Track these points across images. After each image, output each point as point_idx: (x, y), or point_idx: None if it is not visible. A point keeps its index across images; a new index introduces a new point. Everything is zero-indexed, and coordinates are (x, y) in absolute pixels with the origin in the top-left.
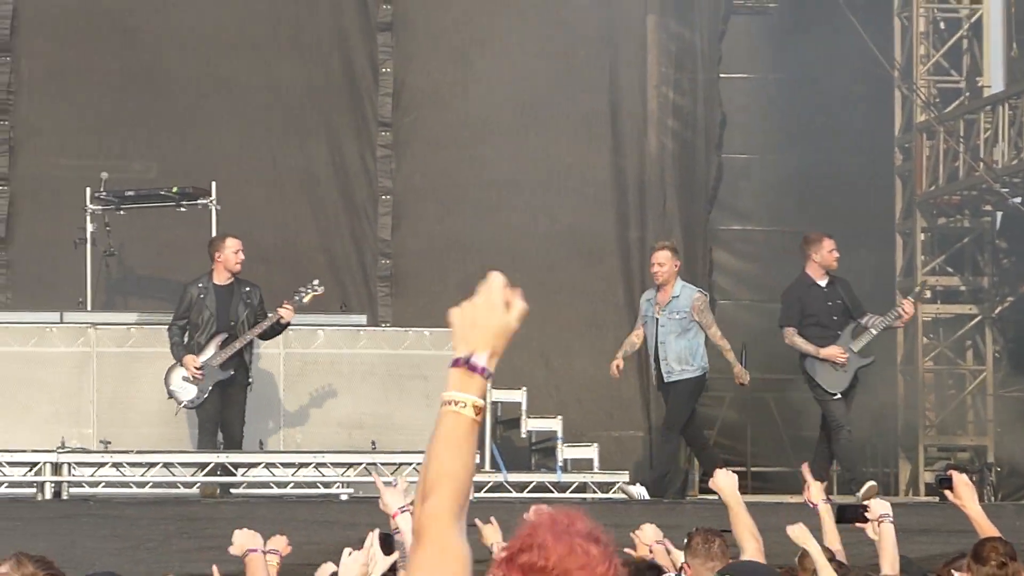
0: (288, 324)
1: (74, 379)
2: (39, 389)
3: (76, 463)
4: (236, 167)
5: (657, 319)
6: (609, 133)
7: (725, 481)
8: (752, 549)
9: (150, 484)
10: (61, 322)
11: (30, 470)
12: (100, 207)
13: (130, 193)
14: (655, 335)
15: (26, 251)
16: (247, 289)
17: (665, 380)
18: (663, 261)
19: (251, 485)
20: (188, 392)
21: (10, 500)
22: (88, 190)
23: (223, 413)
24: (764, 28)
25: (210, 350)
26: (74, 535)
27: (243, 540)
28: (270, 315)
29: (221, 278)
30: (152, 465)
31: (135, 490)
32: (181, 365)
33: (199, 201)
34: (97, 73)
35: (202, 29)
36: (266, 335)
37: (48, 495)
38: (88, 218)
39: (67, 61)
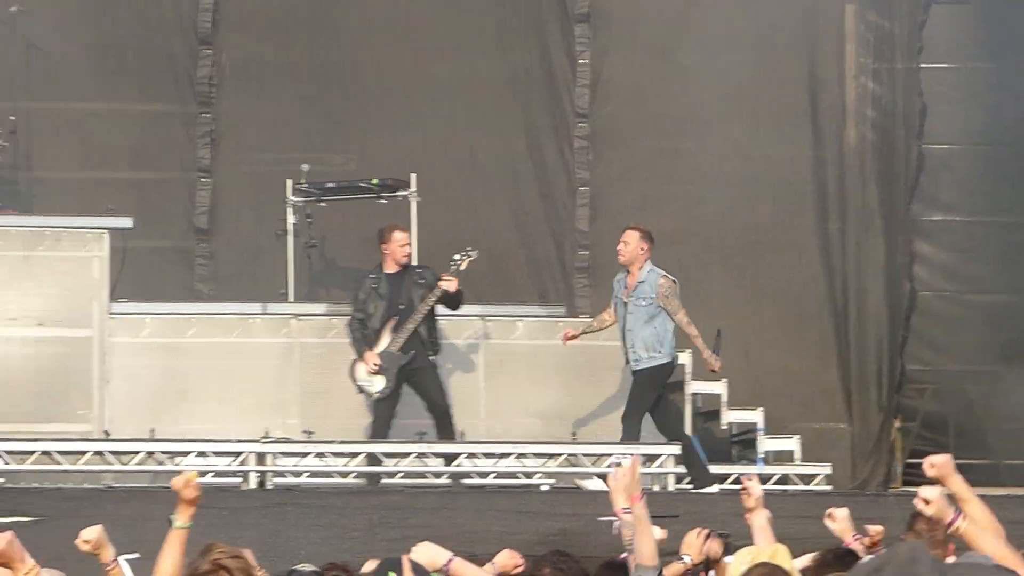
0: (460, 292)
1: (277, 370)
2: (243, 380)
3: (280, 453)
4: (435, 159)
5: (625, 304)
6: (808, 124)
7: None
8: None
9: (353, 474)
10: (264, 313)
11: (235, 460)
12: (301, 199)
13: (331, 185)
14: (623, 320)
15: (229, 243)
16: (419, 271)
17: (632, 368)
18: (627, 240)
19: (453, 476)
20: (376, 383)
21: (216, 489)
22: (289, 182)
23: (420, 392)
24: (967, 16)
25: (386, 338)
26: (278, 524)
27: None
28: (433, 294)
29: (391, 267)
30: (355, 455)
31: (339, 479)
32: (362, 361)
33: (399, 193)
34: (298, 66)
35: (403, 22)
36: (453, 304)
37: (253, 485)
38: (289, 210)
39: (268, 54)
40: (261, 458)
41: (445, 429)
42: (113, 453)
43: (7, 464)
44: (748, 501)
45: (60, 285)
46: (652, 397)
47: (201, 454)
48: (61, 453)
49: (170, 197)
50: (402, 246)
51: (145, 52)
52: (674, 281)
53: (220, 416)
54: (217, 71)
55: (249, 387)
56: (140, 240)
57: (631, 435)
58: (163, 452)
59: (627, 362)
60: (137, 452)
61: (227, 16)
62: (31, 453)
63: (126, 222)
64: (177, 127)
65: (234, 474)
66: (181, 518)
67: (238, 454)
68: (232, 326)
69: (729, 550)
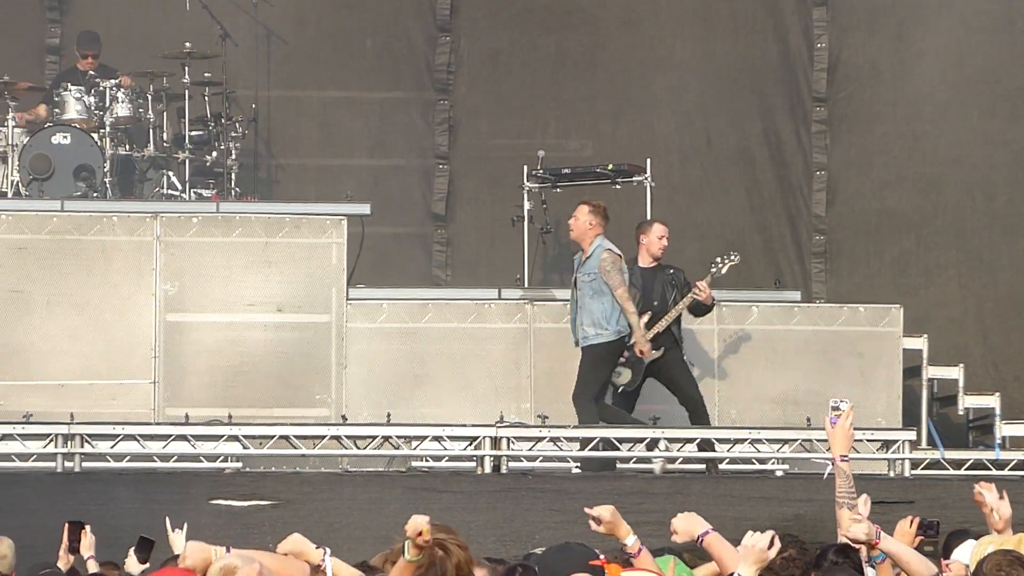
0: (712, 302)
1: (511, 355)
2: (478, 364)
3: (514, 438)
4: (671, 144)
5: (575, 280)
6: None
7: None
8: None
9: (587, 459)
10: (499, 299)
11: (470, 445)
12: (537, 185)
13: (566, 171)
14: (574, 297)
15: (465, 229)
16: (671, 271)
17: (581, 344)
18: (577, 216)
19: (686, 460)
20: (623, 376)
21: (452, 473)
22: (525, 168)
23: (671, 385)
24: None
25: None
26: (514, 508)
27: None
28: (689, 294)
29: (645, 261)
30: (589, 440)
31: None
32: None
33: (634, 179)
34: (535, 52)
35: (638, 7)
36: (699, 311)
37: (487, 469)
38: (525, 196)
39: (505, 40)
40: (496, 443)
41: (701, 419)
42: (350, 438)
43: (246, 449)
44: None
45: (299, 271)
46: (602, 375)
47: (436, 439)
48: (299, 438)
49: (408, 184)
50: (660, 238)
51: (384, 40)
52: (619, 255)
53: (455, 401)
54: (455, 58)
55: (484, 372)
56: (378, 226)
57: (585, 416)
58: (399, 437)
59: (575, 341)
60: (374, 437)
61: (465, 3)
62: (270, 438)
63: (364, 208)
64: (415, 114)
65: (469, 459)
66: (411, 552)
67: (473, 439)
68: (468, 311)
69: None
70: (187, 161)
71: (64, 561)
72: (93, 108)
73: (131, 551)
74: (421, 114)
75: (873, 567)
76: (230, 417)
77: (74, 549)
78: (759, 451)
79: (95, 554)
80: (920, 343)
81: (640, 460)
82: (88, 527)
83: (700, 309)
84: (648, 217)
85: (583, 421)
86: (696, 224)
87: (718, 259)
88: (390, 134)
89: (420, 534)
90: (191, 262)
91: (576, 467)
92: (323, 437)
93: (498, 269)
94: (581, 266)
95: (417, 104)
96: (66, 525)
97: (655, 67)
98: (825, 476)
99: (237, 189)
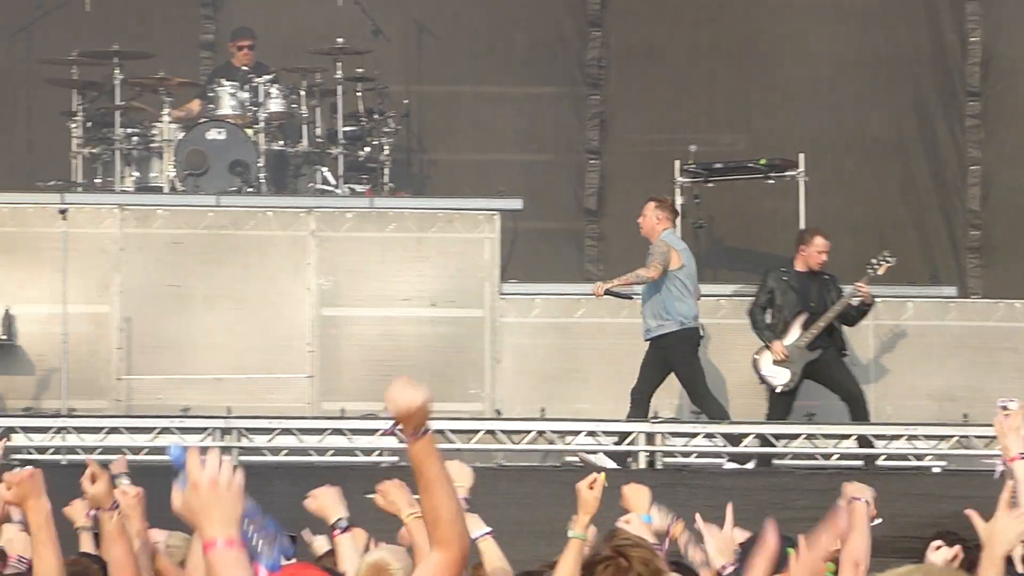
0: (871, 304)
1: None
2: (631, 360)
3: (669, 433)
4: (824, 139)
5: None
6: None
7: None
8: None
9: (742, 455)
10: None
11: (624, 440)
12: (689, 179)
13: (719, 165)
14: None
15: (617, 224)
16: (826, 278)
17: (645, 337)
18: (644, 213)
19: (843, 456)
20: (781, 376)
21: (607, 469)
22: (677, 163)
23: (830, 383)
24: None
25: (795, 331)
26: (668, 505)
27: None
28: (844, 297)
29: (801, 267)
30: (743, 436)
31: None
32: (769, 349)
33: (787, 173)
34: (686, 46)
35: (791, 1)
36: (850, 319)
37: (642, 465)
38: (677, 191)
39: (656, 34)
40: (650, 438)
41: (860, 414)
42: (504, 432)
43: (402, 443)
44: None
45: (452, 266)
46: (665, 370)
47: (591, 433)
48: (454, 432)
49: (559, 178)
50: (820, 252)
51: (535, 34)
52: (672, 249)
53: (609, 396)
54: (606, 52)
55: (637, 367)
56: (530, 221)
57: (638, 410)
58: (553, 432)
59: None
60: (528, 431)
61: None
62: None
63: (516, 204)
64: (566, 109)
65: (623, 454)
66: (577, 528)
67: (627, 434)
68: (621, 306)
69: None
70: (341, 156)
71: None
72: (247, 104)
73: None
74: (572, 109)
75: None
76: (385, 411)
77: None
78: (915, 447)
79: None
80: None
81: (797, 456)
82: None
83: (851, 317)
84: (801, 213)
85: (633, 415)
86: (850, 219)
87: (874, 260)
88: (541, 129)
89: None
90: (346, 257)
91: (730, 463)
92: (477, 431)
93: None
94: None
95: (568, 99)
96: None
97: (808, 60)
98: (996, 476)
99: (391, 184)
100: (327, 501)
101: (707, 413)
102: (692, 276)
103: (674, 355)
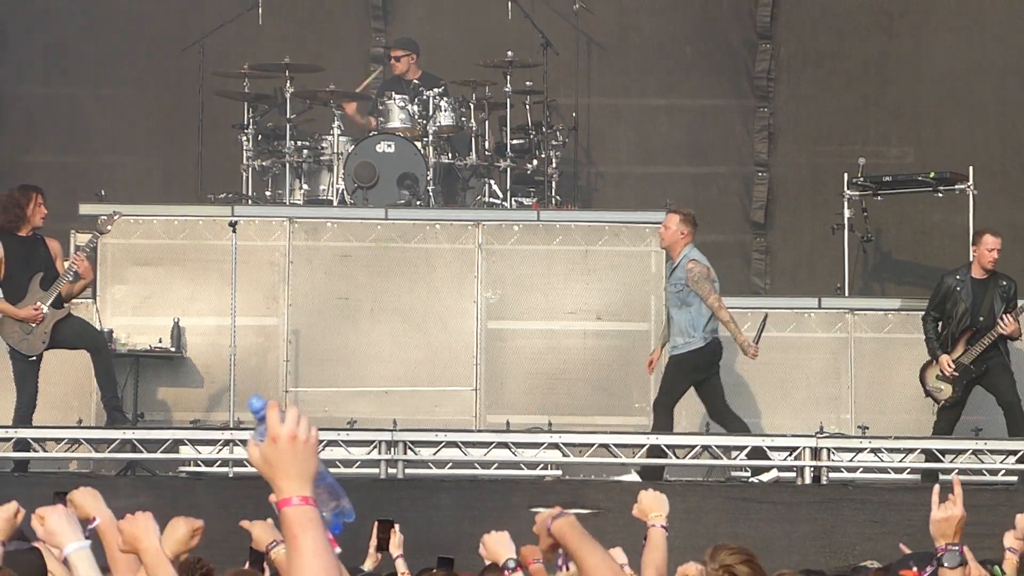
0: (1018, 337)
1: (831, 364)
2: (797, 374)
3: (835, 448)
4: (994, 150)
5: (666, 290)
6: None
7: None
8: None
9: (908, 470)
10: (819, 308)
11: (790, 454)
12: (857, 193)
13: (887, 178)
14: (665, 307)
15: (784, 237)
16: (1003, 283)
17: (670, 353)
18: (668, 225)
19: (1008, 473)
20: (945, 390)
21: (773, 484)
22: (845, 176)
23: (990, 389)
24: None
25: (961, 347)
26: (834, 520)
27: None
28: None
29: (977, 272)
30: (910, 451)
31: (894, 476)
32: (936, 363)
33: (956, 186)
34: (855, 58)
35: (964, 11)
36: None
37: (807, 480)
38: (846, 204)
39: (825, 47)
40: (816, 453)
41: (1016, 423)
42: (669, 447)
43: (567, 456)
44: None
45: (618, 279)
46: (684, 384)
47: (756, 449)
48: (619, 446)
49: (727, 191)
50: (990, 250)
51: (703, 47)
52: (706, 266)
53: (774, 410)
54: (775, 64)
55: (803, 382)
56: (698, 234)
57: (661, 424)
58: (718, 446)
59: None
60: (693, 446)
61: (785, 9)
62: (589, 446)
63: None
64: (735, 121)
65: (789, 469)
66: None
67: (793, 449)
68: (787, 320)
69: None
70: (508, 169)
71: (372, 560)
72: (416, 117)
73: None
74: (741, 121)
75: None
76: (550, 424)
77: (382, 547)
78: None
79: (404, 553)
80: None
81: (965, 471)
82: (397, 526)
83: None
84: (971, 226)
85: (657, 428)
86: (1020, 231)
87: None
88: (709, 141)
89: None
90: (512, 270)
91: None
92: (643, 446)
93: (818, 278)
94: (669, 276)
95: (737, 111)
96: (376, 523)
97: (977, 71)
98: None
99: (557, 197)
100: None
101: (727, 428)
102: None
103: (683, 366)
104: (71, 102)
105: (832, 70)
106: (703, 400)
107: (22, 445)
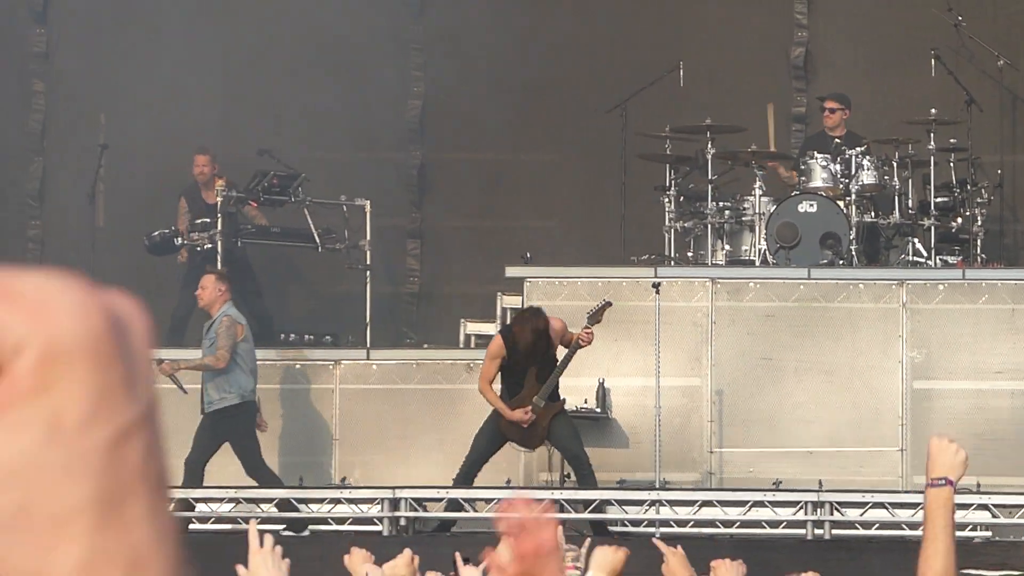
0: None
1: None
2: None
3: None
4: None
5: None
6: None
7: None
8: None
9: None
10: None
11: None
12: None
13: None
14: None
15: None
16: None
17: (205, 410)
18: (204, 285)
19: None
20: None
21: None
22: None
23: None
24: None
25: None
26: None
27: None
28: None
29: None
30: None
31: None
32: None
33: None
34: None
35: None
36: None
37: None
38: None
39: None
40: None
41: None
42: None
43: (996, 518)
44: None
45: None
46: (218, 441)
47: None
48: None
49: None
50: None
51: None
52: (238, 323)
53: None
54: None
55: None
56: None
57: (191, 480)
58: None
59: (201, 408)
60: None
61: None
62: (1020, 507)
63: None
64: None
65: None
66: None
67: None
68: None
69: None
70: (932, 228)
71: None
72: (839, 175)
73: None
74: None
75: None
76: (978, 485)
77: None
78: None
79: None
80: None
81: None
82: None
83: None
84: None
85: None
86: None
87: None
88: None
89: None
90: (937, 329)
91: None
92: None
93: None
94: (205, 332)
95: None
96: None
97: None
98: None
99: (983, 255)
100: None
101: (260, 483)
102: (251, 350)
103: (234, 428)
104: (491, 167)
105: None
106: (240, 458)
107: (454, 505)
